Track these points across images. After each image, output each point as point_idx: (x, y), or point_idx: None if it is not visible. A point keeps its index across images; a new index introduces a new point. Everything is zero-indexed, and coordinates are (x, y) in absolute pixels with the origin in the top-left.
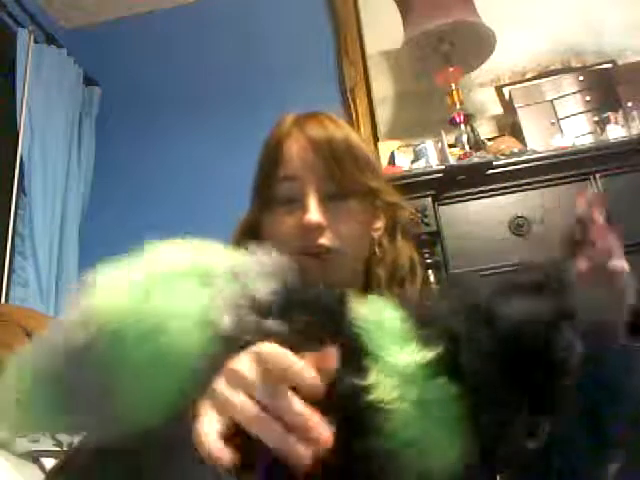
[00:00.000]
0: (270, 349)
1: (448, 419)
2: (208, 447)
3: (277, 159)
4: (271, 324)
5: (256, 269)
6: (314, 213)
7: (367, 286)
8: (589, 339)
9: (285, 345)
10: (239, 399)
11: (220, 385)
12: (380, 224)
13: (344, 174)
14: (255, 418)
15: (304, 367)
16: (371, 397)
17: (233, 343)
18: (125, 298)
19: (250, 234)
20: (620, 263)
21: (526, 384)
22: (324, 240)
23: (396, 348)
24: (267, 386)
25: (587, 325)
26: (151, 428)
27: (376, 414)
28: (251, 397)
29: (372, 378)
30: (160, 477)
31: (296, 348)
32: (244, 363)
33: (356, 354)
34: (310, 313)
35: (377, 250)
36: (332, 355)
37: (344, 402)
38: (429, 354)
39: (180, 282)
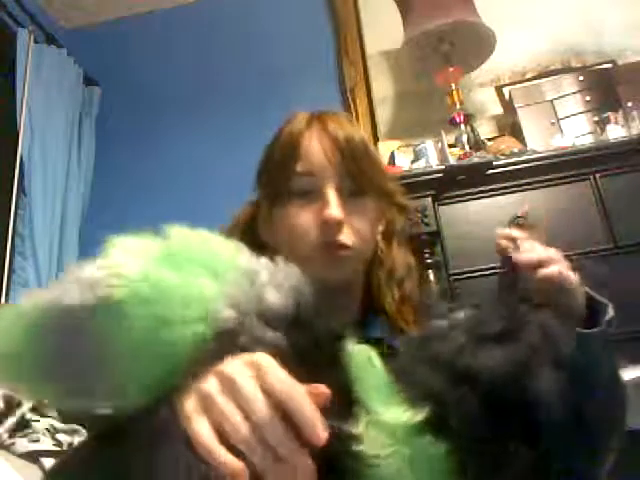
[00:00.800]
0: (271, 367)
1: (437, 475)
2: (220, 458)
3: (294, 154)
4: (272, 335)
5: (274, 278)
6: (335, 208)
7: (368, 287)
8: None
9: (277, 360)
10: (236, 419)
11: (212, 387)
12: (381, 227)
13: (363, 173)
14: (252, 447)
15: (315, 414)
16: (359, 448)
17: (228, 340)
18: (139, 269)
19: (248, 228)
20: (551, 269)
21: (513, 427)
22: (343, 237)
23: (385, 404)
24: (274, 423)
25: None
26: (138, 406)
27: (361, 466)
28: (245, 415)
29: (361, 428)
30: (151, 459)
31: (287, 366)
32: (240, 373)
33: (347, 399)
34: (312, 339)
35: (378, 253)
36: (325, 396)
37: (331, 447)
38: (417, 416)
39: (197, 269)
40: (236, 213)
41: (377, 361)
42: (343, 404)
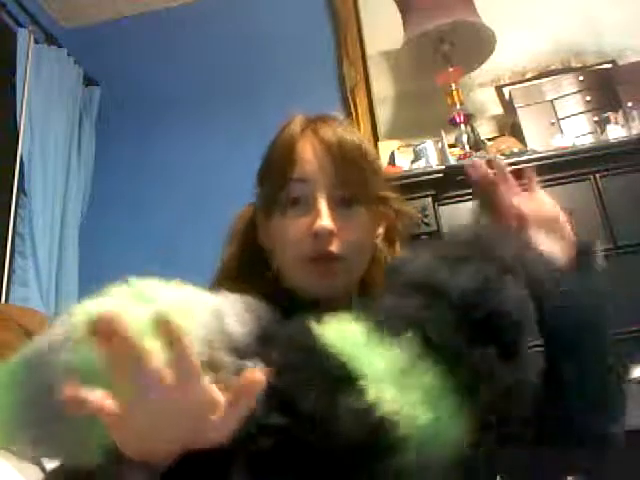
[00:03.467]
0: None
1: (444, 399)
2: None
3: (289, 160)
4: (245, 363)
5: (234, 310)
6: (326, 219)
7: (363, 290)
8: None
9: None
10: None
11: None
12: (380, 230)
13: (356, 180)
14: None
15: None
16: (379, 414)
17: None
18: (105, 307)
19: (248, 231)
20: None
21: (492, 340)
22: (334, 247)
23: (378, 358)
24: None
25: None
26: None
27: (391, 429)
28: None
29: (371, 396)
30: None
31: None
32: None
33: (346, 382)
34: (287, 352)
35: (377, 256)
36: (260, 381)
37: (354, 429)
38: (409, 350)
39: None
40: (238, 214)
41: (352, 324)
42: (348, 389)
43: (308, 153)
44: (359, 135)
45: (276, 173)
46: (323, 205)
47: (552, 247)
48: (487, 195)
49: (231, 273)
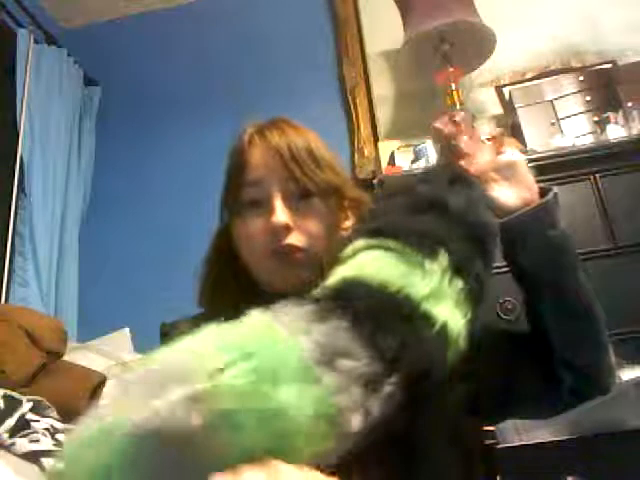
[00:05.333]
0: None
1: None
2: None
3: (242, 167)
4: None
5: (335, 348)
6: (280, 214)
7: None
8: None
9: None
10: None
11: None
12: (349, 223)
13: (305, 173)
14: None
15: None
16: (443, 331)
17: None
18: (242, 379)
19: (226, 242)
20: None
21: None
22: (292, 239)
23: (422, 279)
24: None
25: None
26: None
27: (452, 342)
28: None
29: (435, 316)
30: None
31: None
32: None
33: (412, 313)
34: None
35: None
36: None
37: (434, 351)
38: (442, 261)
39: (287, 374)
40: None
41: (386, 257)
42: (412, 317)
43: (258, 158)
44: (309, 134)
45: (232, 181)
46: (277, 202)
47: (505, 192)
48: (449, 145)
49: (211, 281)
